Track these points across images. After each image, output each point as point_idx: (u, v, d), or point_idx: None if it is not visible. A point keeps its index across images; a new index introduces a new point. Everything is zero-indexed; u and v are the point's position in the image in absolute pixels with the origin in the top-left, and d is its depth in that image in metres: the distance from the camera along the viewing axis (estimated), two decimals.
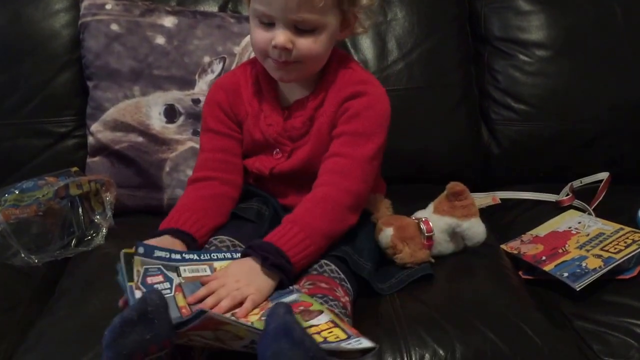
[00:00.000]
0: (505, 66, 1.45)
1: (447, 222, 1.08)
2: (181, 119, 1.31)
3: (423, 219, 1.08)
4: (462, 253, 1.11)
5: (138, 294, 0.84)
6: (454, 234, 1.09)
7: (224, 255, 0.96)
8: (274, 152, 1.07)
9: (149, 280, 0.87)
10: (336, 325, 0.81)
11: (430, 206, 1.11)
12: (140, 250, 0.90)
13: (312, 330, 0.79)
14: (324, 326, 0.81)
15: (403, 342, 0.92)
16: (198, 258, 0.94)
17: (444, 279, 1.05)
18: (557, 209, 1.32)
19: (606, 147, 1.45)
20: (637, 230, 1.15)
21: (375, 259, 1.04)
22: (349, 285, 0.95)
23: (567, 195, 1.35)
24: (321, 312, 0.83)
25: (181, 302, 0.86)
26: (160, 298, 0.75)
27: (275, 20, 0.96)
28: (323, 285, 0.91)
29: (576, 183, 1.41)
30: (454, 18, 1.46)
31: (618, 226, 1.18)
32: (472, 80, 1.47)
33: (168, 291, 0.87)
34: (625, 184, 1.40)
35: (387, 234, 1.05)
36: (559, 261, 1.09)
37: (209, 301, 0.85)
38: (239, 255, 0.95)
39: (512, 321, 0.96)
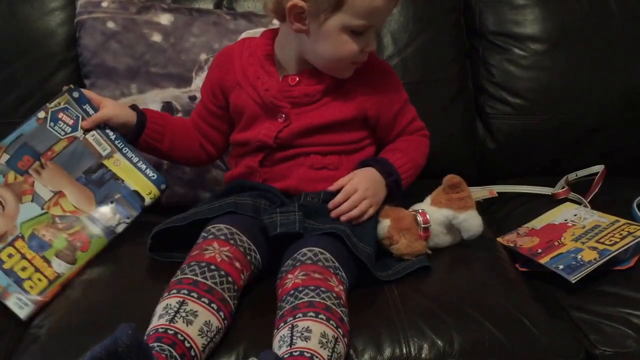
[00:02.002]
0: (500, 60, 1.45)
1: (443, 214, 1.09)
2: (178, 116, 1.31)
3: (420, 211, 1.08)
4: (459, 245, 1.12)
5: (41, 114, 1.07)
6: (451, 226, 1.10)
7: (131, 156, 1.12)
8: (278, 118, 1.11)
9: (60, 115, 1.07)
10: None
11: (428, 198, 1.12)
12: (75, 94, 1.10)
13: None
14: None
15: (402, 332, 0.93)
16: (112, 138, 1.11)
17: (442, 270, 1.06)
18: (553, 202, 1.33)
19: (601, 140, 1.45)
20: (632, 222, 1.16)
21: (375, 248, 1.04)
22: (343, 274, 0.96)
23: (563, 188, 1.35)
24: None
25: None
26: (130, 339, 0.75)
27: (370, 27, 1.05)
28: (316, 275, 0.92)
29: (571, 176, 1.41)
30: (448, 12, 1.46)
31: (614, 218, 1.18)
32: (468, 75, 1.47)
33: (67, 131, 1.07)
34: (620, 177, 1.40)
35: (383, 225, 1.06)
36: (554, 254, 1.10)
37: (344, 206, 1.04)
38: (150, 172, 1.13)
39: (509, 312, 0.97)
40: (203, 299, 0.87)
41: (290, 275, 0.93)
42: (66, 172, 1.09)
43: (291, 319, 0.86)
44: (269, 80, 1.11)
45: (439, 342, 0.92)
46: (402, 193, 1.12)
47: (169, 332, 0.83)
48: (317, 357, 0.81)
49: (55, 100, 1.08)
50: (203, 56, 1.32)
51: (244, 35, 1.33)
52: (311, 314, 0.86)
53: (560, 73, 1.43)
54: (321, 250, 0.96)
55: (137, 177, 1.13)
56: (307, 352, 0.81)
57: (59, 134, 1.07)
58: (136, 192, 1.13)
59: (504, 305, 0.99)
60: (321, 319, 0.85)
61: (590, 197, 1.33)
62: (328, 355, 0.83)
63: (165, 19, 1.33)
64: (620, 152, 1.47)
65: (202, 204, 1.08)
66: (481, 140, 1.47)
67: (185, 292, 0.88)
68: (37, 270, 0.99)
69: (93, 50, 1.31)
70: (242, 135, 1.15)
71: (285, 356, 0.82)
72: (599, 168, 1.40)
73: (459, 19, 1.48)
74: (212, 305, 0.88)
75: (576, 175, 1.42)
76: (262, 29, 1.33)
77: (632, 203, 1.27)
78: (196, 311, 0.86)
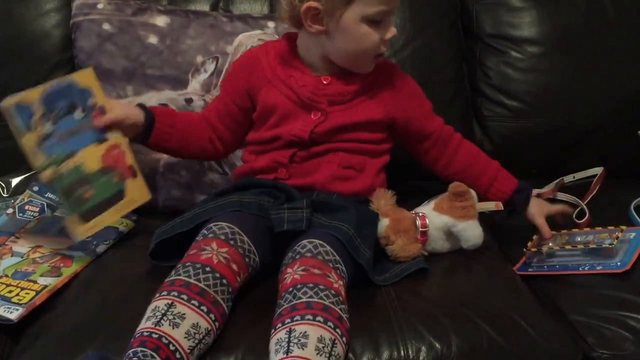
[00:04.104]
0: (497, 63, 1.45)
1: (443, 221, 1.09)
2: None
3: (420, 214, 1.08)
4: (458, 249, 1.11)
5: (10, 210, 1.18)
6: (450, 234, 1.10)
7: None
8: (312, 115, 1.12)
9: (27, 207, 1.19)
10: None
11: (432, 202, 1.12)
12: (35, 189, 1.21)
13: None
14: None
15: (400, 335, 0.92)
16: None
17: (440, 273, 1.06)
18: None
19: (599, 142, 1.46)
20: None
21: (374, 250, 1.04)
22: (343, 268, 0.95)
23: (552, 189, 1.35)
24: None
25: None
26: None
27: (387, 14, 1.06)
28: (315, 271, 0.91)
29: (568, 178, 1.41)
30: (445, 15, 1.46)
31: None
32: (464, 77, 1.48)
33: (35, 215, 1.18)
34: (617, 179, 1.41)
35: (382, 224, 1.06)
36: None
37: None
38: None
39: (507, 314, 0.97)
40: (193, 302, 0.87)
41: (289, 270, 0.93)
42: (41, 235, 1.16)
43: (289, 320, 0.86)
44: (302, 77, 1.12)
45: (437, 345, 0.91)
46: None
47: (154, 335, 0.83)
48: None
49: (19, 198, 1.20)
50: (199, 58, 1.31)
51: (240, 37, 1.33)
52: (309, 317, 0.85)
53: (557, 75, 1.44)
54: (321, 242, 0.96)
55: None
56: None
57: (28, 218, 1.18)
58: (109, 227, 1.16)
59: (502, 308, 0.98)
60: (318, 321, 0.85)
61: (588, 199, 1.32)
62: None
63: (161, 20, 1.33)
64: (617, 155, 1.47)
65: (205, 203, 1.07)
66: (478, 143, 1.47)
67: (175, 294, 0.87)
68: (23, 289, 1.01)
69: (89, 52, 1.31)
70: (271, 132, 1.14)
71: None
72: (597, 170, 1.41)
73: (456, 21, 1.48)
74: (202, 307, 0.87)
75: (573, 177, 1.42)
76: (258, 31, 1.33)
77: (630, 205, 1.26)
78: (184, 314, 0.86)
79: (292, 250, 0.96)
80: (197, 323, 0.86)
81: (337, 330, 0.86)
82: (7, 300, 0.98)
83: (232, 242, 0.96)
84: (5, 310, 0.96)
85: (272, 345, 0.85)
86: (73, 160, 1.04)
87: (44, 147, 1.01)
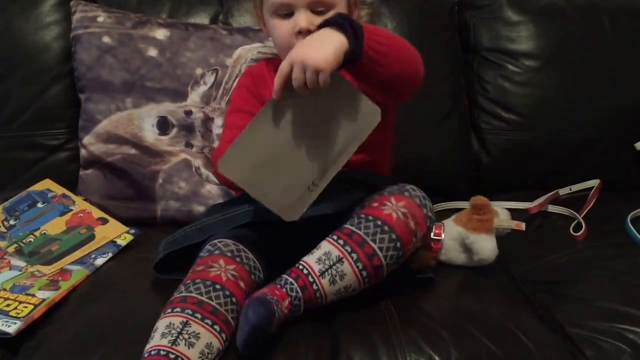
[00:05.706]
0: (494, 76, 1.46)
1: (458, 231, 1.10)
2: (174, 131, 1.31)
3: (436, 224, 1.10)
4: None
5: None
6: (465, 246, 1.10)
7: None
8: None
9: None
10: None
11: (455, 215, 1.14)
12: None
13: None
14: None
15: (399, 348, 0.92)
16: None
17: (440, 287, 1.06)
18: (528, 215, 1.34)
19: (595, 155, 1.46)
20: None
21: None
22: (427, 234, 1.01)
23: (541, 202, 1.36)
24: None
25: None
26: None
27: (294, 7, 1.04)
28: (411, 224, 0.95)
29: (565, 190, 1.42)
30: (444, 29, 1.47)
31: None
32: (462, 91, 1.48)
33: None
34: (613, 192, 1.41)
35: None
36: None
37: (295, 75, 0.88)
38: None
39: (506, 327, 0.97)
40: (206, 320, 0.87)
41: (393, 200, 0.96)
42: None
43: (341, 241, 0.93)
44: None
45: (436, 357, 0.91)
46: (361, 48, 0.90)
47: (170, 355, 0.83)
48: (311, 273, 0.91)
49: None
50: (199, 71, 1.32)
51: (239, 50, 1.34)
52: (354, 255, 0.92)
53: (554, 89, 1.44)
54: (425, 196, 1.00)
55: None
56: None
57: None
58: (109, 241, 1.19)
59: (501, 320, 0.98)
60: (358, 268, 0.92)
61: (585, 212, 1.33)
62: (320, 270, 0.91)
63: (161, 33, 1.33)
64: (613, 167, 1.48)
65: (215, 213, 1.06)
66: (476, 155, 1.48)
67: (189, 312, 0.87)
68: (21, 302, 1.02)
69: (88, 65, 1.31)
70: None
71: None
72: (594, 183, 1.41)
73: (454, 35, 1.49)
74: (215, 327, 0.87)
75: (570, 190, 1.43)
76: (258, 44, 1.34)
77: (626, 218, 1.27)
78: (198, 333, 0.86)
79: (400, 185, 0.99)
80: (211, 343, 0.86)
81: (368, 279, 0.94)
82: (5, 313, 0.98)
83: (238, 259, 0.96)
84: (3, 324, 0.96)
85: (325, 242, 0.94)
86: (36, 232, 1.17)
87: (8, 233, 1.17)
